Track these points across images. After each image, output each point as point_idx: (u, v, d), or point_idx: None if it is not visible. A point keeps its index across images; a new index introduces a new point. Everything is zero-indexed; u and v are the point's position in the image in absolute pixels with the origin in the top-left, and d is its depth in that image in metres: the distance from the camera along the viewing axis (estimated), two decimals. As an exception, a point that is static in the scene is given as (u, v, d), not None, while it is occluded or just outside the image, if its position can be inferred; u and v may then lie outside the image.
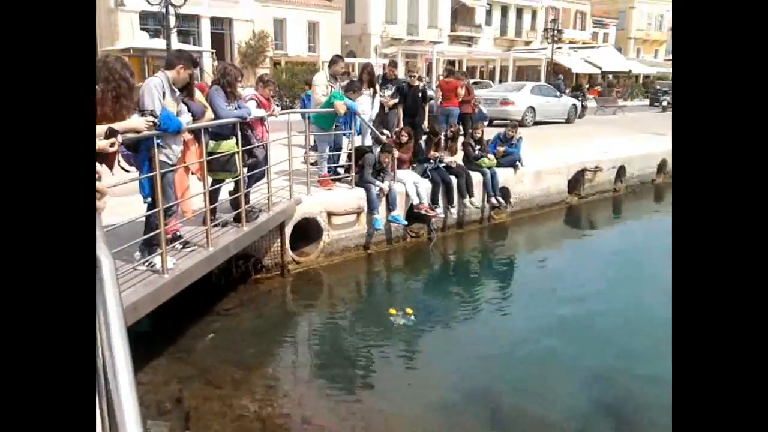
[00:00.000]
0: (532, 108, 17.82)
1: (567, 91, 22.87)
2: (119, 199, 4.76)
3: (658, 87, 32.75)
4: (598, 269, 7.96)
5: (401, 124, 9.04)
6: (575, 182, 11.28)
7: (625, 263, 8.11)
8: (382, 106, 8.78)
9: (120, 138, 3.85)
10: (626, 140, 14.49)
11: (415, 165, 8.75)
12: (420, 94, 9.55)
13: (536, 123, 17.73)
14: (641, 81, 41.73)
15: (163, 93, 4.42)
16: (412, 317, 5.78)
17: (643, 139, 14.96)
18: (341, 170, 8.39)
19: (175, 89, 4.61)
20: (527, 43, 47.17)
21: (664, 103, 28.48)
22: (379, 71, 10.28)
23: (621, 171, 12.29)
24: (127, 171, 4.61)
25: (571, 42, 45.01)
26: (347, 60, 36.20)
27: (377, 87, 8.46)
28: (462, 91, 11.26)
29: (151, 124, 4.03)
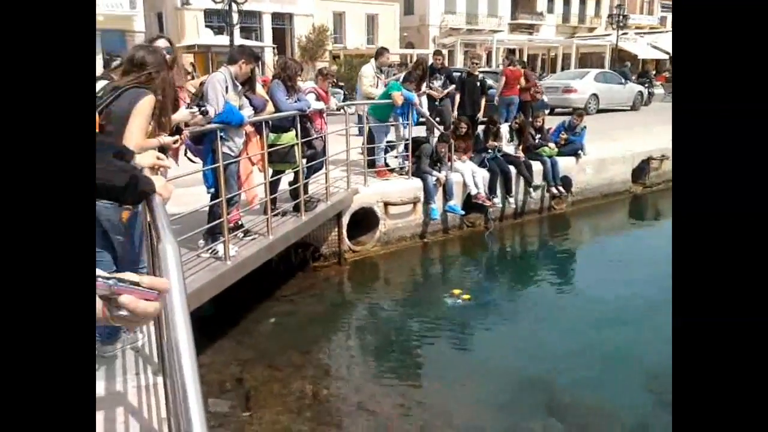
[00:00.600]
0: (595, 95, 17.31)
1: (633, 77, 21.99)
2: (185, 189, 4.99)
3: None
4: (662, 260, 7.68)
5: (455, 114, 9.00)
6: (640, 171, 10.89)
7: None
8: (432, 97, 8.78)
9: (187, 132, 4.04)
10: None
11: (473, 155, 8.69)
12: (479, 84, 9.44)
13: (600, 110, 17.21)
14: None
15: (226, 87, 4.59)
16: (464, 301, 5.93)
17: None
18: (396, 161, 8.45)
19: (238, 84, 4.77)
20: (591, 29, 45.68)
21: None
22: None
23: (690, 159, 11.77)
24: (193, 162, 4.84)
25: (637, 27, 43.27)
26: (406, 51, 36.23)
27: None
28: (523, 81, 11.07)
29: (197, 115, 4.13)
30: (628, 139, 11.78)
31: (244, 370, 4.58)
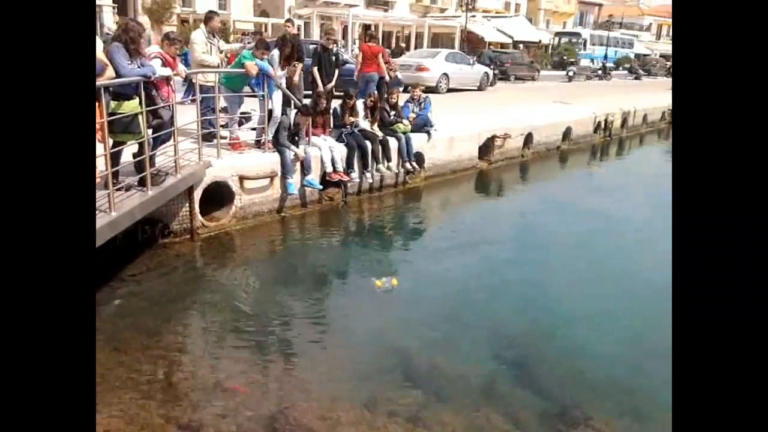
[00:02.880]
0: (446, 75, 18.06)
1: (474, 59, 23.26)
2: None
3: (564, 57, 34.24)
4: (506, 228, 8.38)
5: (320, 88, 8.93)
6: (486, 148, 11.64)
7: (529, 220, 8.64)
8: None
9: None
10: (534, 108, 15.05)
11: (330, 130, 8.70)
12: (333, 58, 9.41)
13: (450, 90, 18.01)
14: (549, 51, 43.19)
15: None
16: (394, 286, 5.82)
17: (550, 108, 15.59)
18: (251, 133, 8.22)
19: None
20: (442, 10, 47.44)
21: (570, 74, 29.73)
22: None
23: (529, 138, 12.79)
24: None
25: (484, 11, 45.75)
26: (260, 20, 35.12)
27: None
28: (384, 57, 11.21)
29: None
30: (474, 118, 12.48)
31: (85, 356, 4.23)
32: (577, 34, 44.71)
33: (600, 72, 32.24)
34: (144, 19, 26.14)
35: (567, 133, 14.30)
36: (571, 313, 5.56)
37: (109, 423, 3.55)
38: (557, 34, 45.68)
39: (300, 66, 8.27)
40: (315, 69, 9.13)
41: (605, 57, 38.38)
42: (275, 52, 7.88)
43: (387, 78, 11.02)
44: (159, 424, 3.60)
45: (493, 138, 11.67)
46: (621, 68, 39.08)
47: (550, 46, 43.94)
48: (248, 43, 10.47)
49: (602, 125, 16.01)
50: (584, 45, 42.76)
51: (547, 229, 8.32)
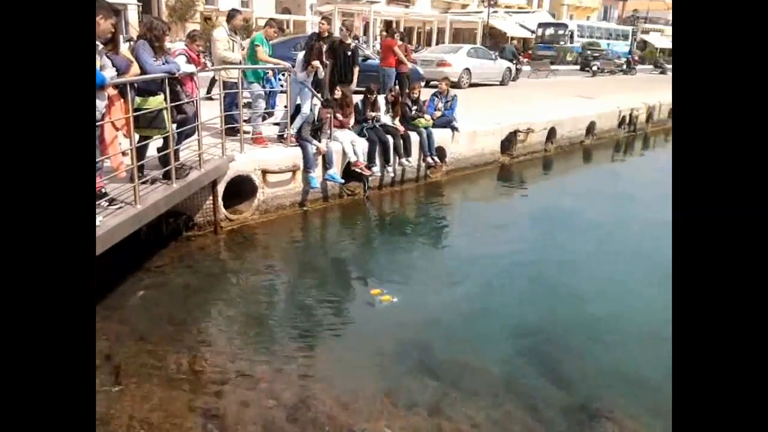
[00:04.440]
0: (468, 70, 17.96)
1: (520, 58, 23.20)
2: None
3: (588, 53, 33.64)
4: (528, 223, 8.32)
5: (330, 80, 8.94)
6: (508, 143, 11.57)
7: (553, 217, 8.54)
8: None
9: None
10: (557, 103, 14.90)
11: (351, 125, 8.73)
12: (350, 53, 9.38)
13: (472, 85, 17.93)
14: (533, 43, 42.04)
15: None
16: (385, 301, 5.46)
17: (574, 103, 15.43)
18: (274, 128, 8.29)
19: (97, 42, 4.40)
20: (464, 6, 47.16)
21: (594, 68, 29.35)
22: (315, 29, 10.03)
23: (551, 132, 12.68)
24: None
25: (506, 6, 45.38)
26: (282, 16, 35.26)
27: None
28: (399, 51, 11.22)
29: None
30: (497, 112, 12.41)
31: (113, 345, 4.32)
32: (563, 25, 39.43)
33: (624, 67, 31.68)
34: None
35: (590, 128, 14.14)
36: (594, 308, 5.51)
37: (133, 410, 3.63)
38: (540, 25, 39.87)
39: (318, 63, 8.22)
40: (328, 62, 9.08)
41: (629, 52, 37.07)
42: (300, 57, 7.96)
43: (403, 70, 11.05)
44: (183, 412, 3.67)
45: (515, 132, 11.60)
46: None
47: (534, 38, 39.86)
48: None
49: (627, 120, 15.79)
50: (571, 37, 37.85)
51: (570, 225, 8.24)
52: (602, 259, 6.90)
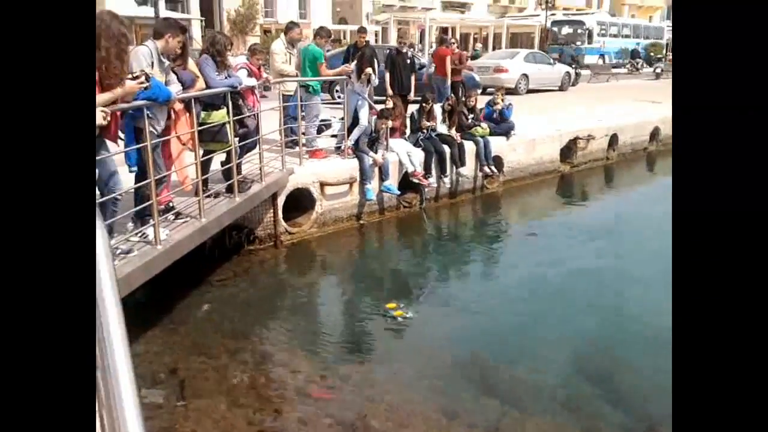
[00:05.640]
0: (525, 75, 17.68)
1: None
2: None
3: (651, 54, 32.44)
4: (590, 237, 8.02)
5: (390, 92, 8.94)
6: (568, 150, 11.27)
7: (616, 231, 8.21)
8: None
9: (115, 107, 3.83)
10: (619, 108, 14.44)
11: (407, 135, 8.72)
12: (408, 62, 9.37)
13: (530, 91, 17.62)
14: (548, 43, 40.55)
15: (152, 63, 4.36)
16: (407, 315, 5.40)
17: (636, 107, 14.91)
18: (332, 140, 8.36)
19: (164, 59, 4.54)
20: (521, 9, 46.55)
21: (658, 71, 28.32)
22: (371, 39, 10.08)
23: (613, 139, 12.28)
24: (122, 139, 4.59)
25: (565, 9, 44.42)
26: (339, 27, 35.71)
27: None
28: (449, 61, 11.15)
29: (144, 85, 3.98)
30: (556, 119, 12.13)
31: (177, 358, 4.44)
32: (580, 23, 32.52)
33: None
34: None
35: (655, 134, 13.61)
36: (656, 326, 5.25)
37: (197, 425, 3.69)
38: (555, 23, 33.35)
39: (368, 72, 8.22)
40: (387, 73, 9.08)
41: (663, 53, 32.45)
42: (353, 65, 8.03)
43: (448, 82, 10.99)
44: (243, 429, 3.71)
45: (575, 140, 11.29)
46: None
47: (548, 38, 33.40)
48: (327, 50, 10.69)
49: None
50: (589, 36, 31.61)
51: (635, 239, 7.88)
52: (666, 274, 6.59)
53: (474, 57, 20.88)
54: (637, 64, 29.80)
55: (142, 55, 4.29)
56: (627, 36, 34.68)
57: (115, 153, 4.41)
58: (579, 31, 31.82)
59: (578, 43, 30.38)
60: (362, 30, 8.98)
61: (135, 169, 4.45)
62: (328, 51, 10.79)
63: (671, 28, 38.03)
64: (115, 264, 3.94)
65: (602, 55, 30.38)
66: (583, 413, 4.03)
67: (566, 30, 32.07)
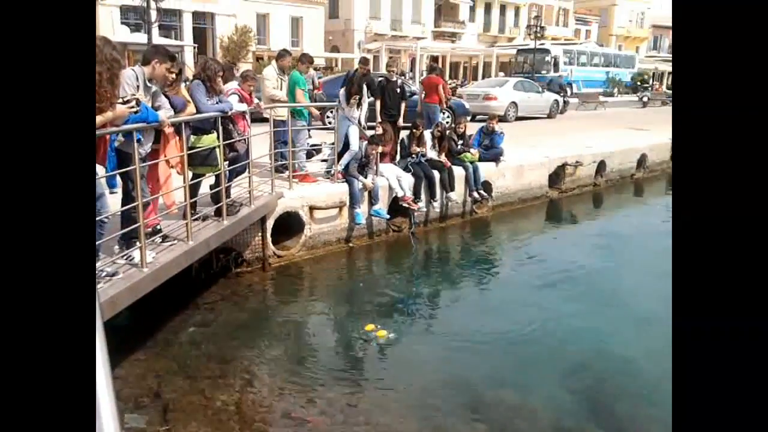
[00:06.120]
0: (514, 103, 17.93)
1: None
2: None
3: (638, 84, 33.02)
4: (579, 262, 8.05)
5: (379, 119, 9.02)
6: (556, 177, 11.39)
7: (605, 256, 8.24)
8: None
9: (105, 131, 3.86)
10: (607, 135, 14.64)
11: (397, 160, 8.79)
12: (398, 90, 9.48)
13: (518, 118, 17.84)
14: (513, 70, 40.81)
15: (137, 86, 4.40)
16: (385, 338, 5.38)
17: (624, 135, 15.12)
18: (322, 164, 8.40)
19: (150, 85, 4.60)
20: (510, 39, 47.36)
21: (645, 99, 28.81)
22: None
23: (601, 166, 12.42)
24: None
25: (553, 39, 45.23)
26: (331, 55, 36.08)
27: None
28: (441, 89, 11.29)
29: (134, 109, 4.02)
30: (544, 145, 12.27)
31: (162, 382, 4.37)
32: (545, 50, 31.57)
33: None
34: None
35: (642, 161, 13.79)
36: (646, 350, 5.26)
37: (182, 449, 3.63)
38: (520, 51, 33.10)
39: (356, 97, 8.31)
40: (377, 102, 9.16)
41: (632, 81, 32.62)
42: (342, 91, 8.13)
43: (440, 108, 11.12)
44: (229, 452, 3.66)
45: (563, 166, 11.42)
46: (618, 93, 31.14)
47: (513, 65, 33.44)
48: (319, 78, 10.82)
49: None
50: (555, 65, 31.21)
51: (623, 265, 7.93)
52: (657, 301, 6.62)
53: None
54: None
55: (127, 78, 4.33)
56: (596, 65, 34.34)
57: (101, 176, 4.42)
58: (546, 59, 31.29)
59: (543, 72, 29.79)
60: (364, 61, 9.11)
61: (116, 191, 4.46)
62: (320, 78, 10.94)
63: (650, 55, 37.85)
64: (101, 286, 3.93)
65: (569, 84, 28.81)
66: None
67: (533, 58, 30.91)
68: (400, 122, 9.35)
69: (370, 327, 5.45)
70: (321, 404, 4.28)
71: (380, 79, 9.41)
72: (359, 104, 8.19)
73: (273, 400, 4.28)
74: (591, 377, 4.82)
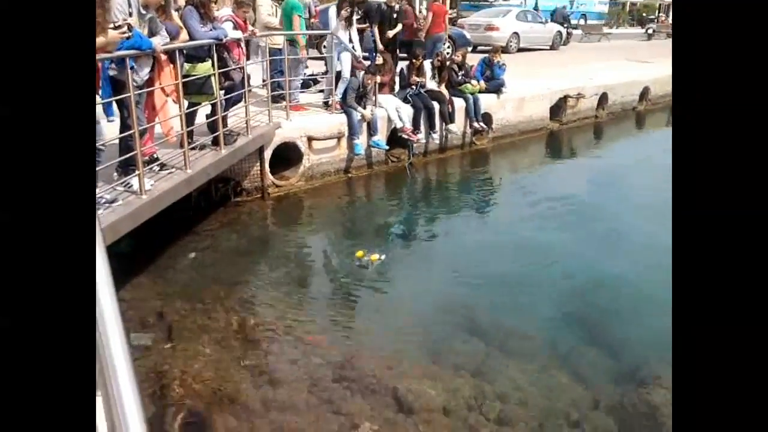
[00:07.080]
0: (516, 34, 17.48)
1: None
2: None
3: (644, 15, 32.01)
4: (577, 193, 8.09)
5: (380, 47, 8.83)
6: (557, 109, 11.26)
7: (603, 187, 8.28)
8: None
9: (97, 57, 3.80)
10: (610, 67, 14.36)
11: (396, 91, 8.67)
12: (395, 15, 9.22)
13: (521, 49, 17.45)
14: (627, 8, 40.56)
15: (130, 12, 4.30)
16: (379, 261, 5.41)
17: (627, 67, 14.84)
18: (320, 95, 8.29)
19: (144, 11, 4.49)
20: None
21: (650, 31, 28.09)
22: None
23: (603, 98, 12.26)
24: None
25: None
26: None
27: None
28: (446, 17, 11.01)
29: (126, 35, 3.96)
30: (546, 77, 12.07)
31: (165, 304, 4.49)
32: None
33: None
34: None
35: (644, 94, 13.59)
36: (641, 275, 5.37)
37: (185, 365, 3.78)
38: None
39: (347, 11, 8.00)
40: (375, 27, 8.93)
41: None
42: (332, 11, 7.88)
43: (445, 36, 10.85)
44: (234, 368, 3.80)
45: (565, 98, 11.27)
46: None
47: None
48: (316, 5, 10.50)
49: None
50: None
51: (620, 194, 7.97)
52: (654, 229, 6.69)
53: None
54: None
55: (118, 3, 4.22)
56: None
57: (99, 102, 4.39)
58: None
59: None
60: None
61: (113, 119, 4.44)
62: (317, 5, 10.61)
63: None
64: (101, 213, 3.98)
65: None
66: (568, 359, 4.12)
67: None
68: (390, 33, 9.05)
69: (360, 253, 5.50)
70: (322, 324, 4.42)
71: (378, 4, 9.14)
72: (350, 23, 7.93)
73: (275, 321, 4.41)
74: (587, 303, 4.91)
